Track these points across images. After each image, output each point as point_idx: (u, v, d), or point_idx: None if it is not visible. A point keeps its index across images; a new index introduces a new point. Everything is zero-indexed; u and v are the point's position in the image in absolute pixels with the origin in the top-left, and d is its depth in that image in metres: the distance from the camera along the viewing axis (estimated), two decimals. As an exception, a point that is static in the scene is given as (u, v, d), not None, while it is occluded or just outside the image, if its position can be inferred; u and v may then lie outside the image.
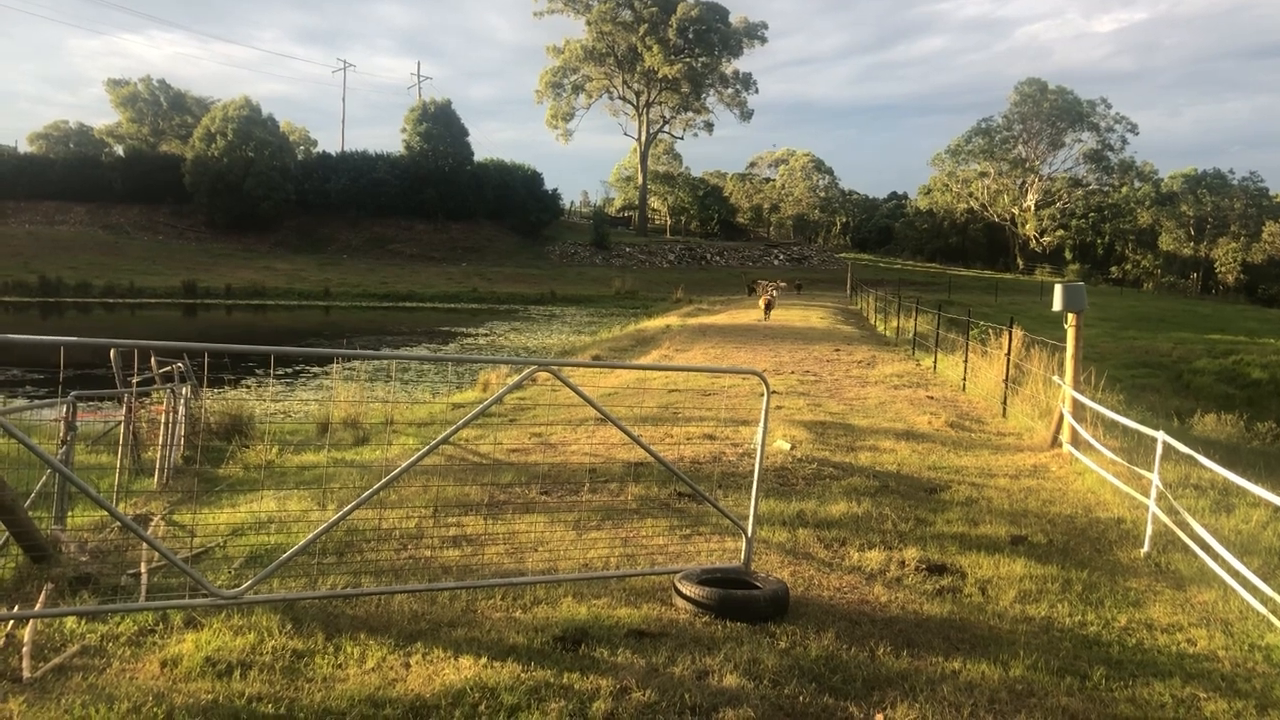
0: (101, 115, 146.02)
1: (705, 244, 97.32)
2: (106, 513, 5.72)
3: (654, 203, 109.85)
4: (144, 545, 5.87)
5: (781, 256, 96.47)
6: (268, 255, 73.11)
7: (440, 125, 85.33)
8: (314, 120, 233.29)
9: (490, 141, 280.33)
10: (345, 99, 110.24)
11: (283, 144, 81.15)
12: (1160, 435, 8.25)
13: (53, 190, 77.25)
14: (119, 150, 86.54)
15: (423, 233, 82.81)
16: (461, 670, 4.94)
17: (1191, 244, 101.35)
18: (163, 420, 9.87)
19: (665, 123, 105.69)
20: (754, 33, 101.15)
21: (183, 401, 10.47)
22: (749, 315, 40.26)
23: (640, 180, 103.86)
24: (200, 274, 60.68)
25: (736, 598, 5.89)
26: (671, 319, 40.44)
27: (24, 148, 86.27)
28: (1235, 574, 6.65)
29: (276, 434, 12.59)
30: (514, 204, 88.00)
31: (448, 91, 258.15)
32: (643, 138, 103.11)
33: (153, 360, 10.81)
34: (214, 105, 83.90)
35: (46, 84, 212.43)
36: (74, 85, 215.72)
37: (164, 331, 40.21)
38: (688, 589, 5.98)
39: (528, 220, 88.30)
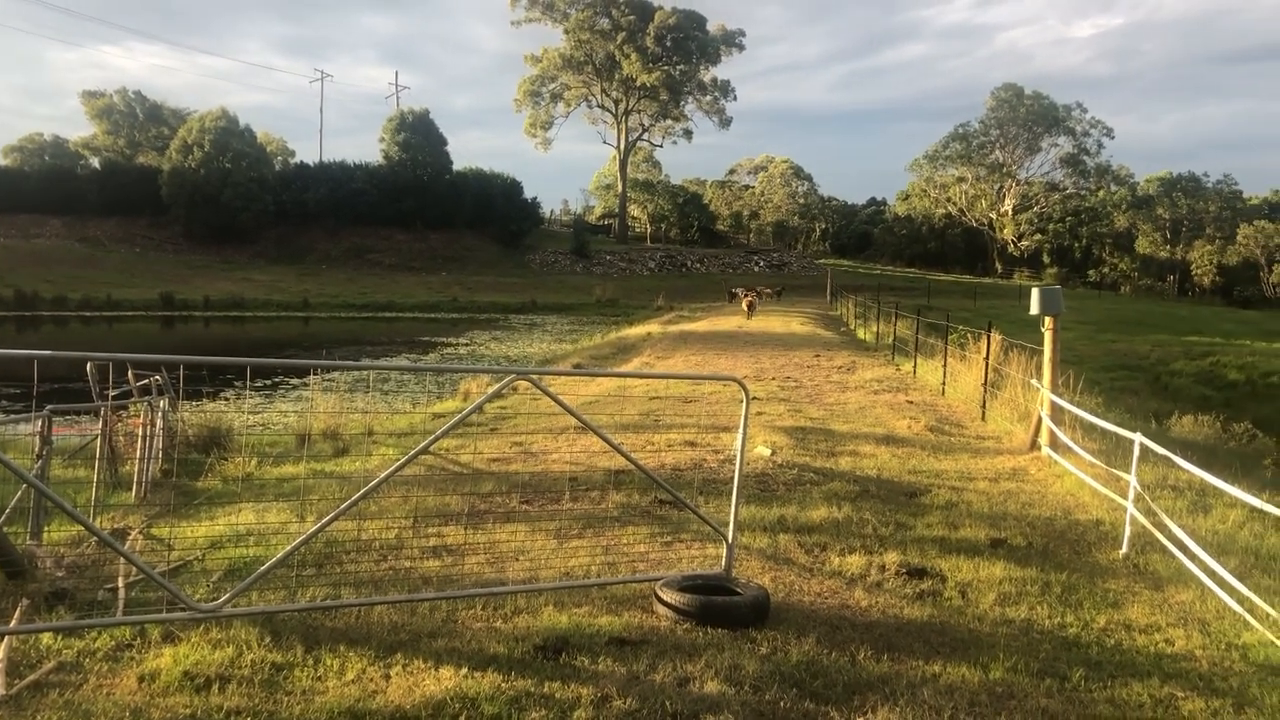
0: (78, 128, 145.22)
1: (686, 251, 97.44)
2: (83, 527, 5.69)
3: (634, 210, 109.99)
4: (121, 560, 5.83)
5: (762, 263, 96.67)
6: (246, 266, 72.84)
7: (419, 135, 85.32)
8: (293, 130, 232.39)
9: (471, 150, 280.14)
10: (324, 109, 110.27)
11: (260, 155, 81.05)
12: (1137, 437, 8.31)
13: (28, 203, 76.87)
14: (95, 162, 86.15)
15: (402, 242, 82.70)
16: (442, 681, 4.93)
17: (1168, 247, 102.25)
18: (140, 433, 9.80)
19: (644, 130, 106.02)
20: (731, 40, 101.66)
21: (160, 414, 10.41)
22: (730, 322, 40.37)
23: (620, 188, 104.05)
24: (178, 286, 60.38)
25: (717, 604, 5.89)
26: (653, 326, 40.48)
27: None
28: (1212, 574, 6.70)
29: (255, 446, 12.52)
30: (494, 213, 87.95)
31: (431, 100, 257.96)
32: (622, 145, 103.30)
33: (129, 373, 10.75)
34: (190, 116, 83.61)
35: (24, 96, 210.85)
36: (52, 97, 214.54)
37: (141, 344, 39.98)
38: (669, 596, 5.98)
39: (508, 229, 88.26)
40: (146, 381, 10.66)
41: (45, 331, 45.10)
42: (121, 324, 49.19)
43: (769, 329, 35.54)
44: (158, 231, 78.79)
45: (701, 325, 39.82)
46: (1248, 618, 6.21)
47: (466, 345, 41.00)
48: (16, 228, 74.89)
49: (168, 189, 76.39)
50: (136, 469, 9.41)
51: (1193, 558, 7.04)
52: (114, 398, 9.98)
